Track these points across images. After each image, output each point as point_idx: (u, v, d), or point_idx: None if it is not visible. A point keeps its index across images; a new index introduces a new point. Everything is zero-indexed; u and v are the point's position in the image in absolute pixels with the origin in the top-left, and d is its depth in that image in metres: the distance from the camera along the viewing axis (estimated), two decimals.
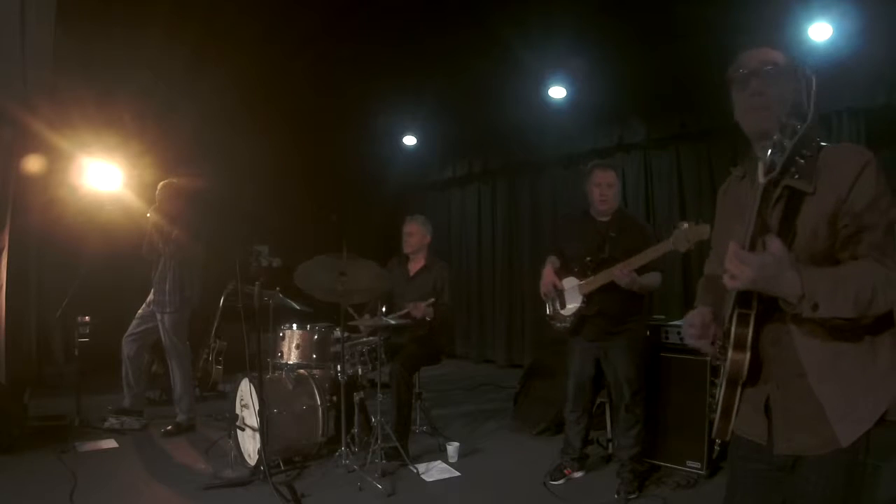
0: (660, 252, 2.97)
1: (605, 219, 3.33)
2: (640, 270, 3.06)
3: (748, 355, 1.34)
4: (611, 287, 3.11)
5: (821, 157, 1.35)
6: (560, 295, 3.36)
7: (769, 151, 1.20)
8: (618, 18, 4.73)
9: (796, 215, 1.32)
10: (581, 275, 3.26)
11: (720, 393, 1.43)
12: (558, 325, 3.39)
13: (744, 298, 1.34)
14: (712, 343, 1.48)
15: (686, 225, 2.88)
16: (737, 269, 1.22)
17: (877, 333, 1.33)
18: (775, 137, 1.19)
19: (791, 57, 1.44)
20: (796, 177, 1.21)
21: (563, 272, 3.39)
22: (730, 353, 1.35)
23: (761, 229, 1.26)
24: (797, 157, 1.18)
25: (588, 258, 3.23)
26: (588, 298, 3.22)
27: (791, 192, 1.33)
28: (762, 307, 1.34)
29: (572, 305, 3.31)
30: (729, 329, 1.37)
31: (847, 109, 4.58)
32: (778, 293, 1.24)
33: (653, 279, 3.17)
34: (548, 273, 3.40)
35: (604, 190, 3.28)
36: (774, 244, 1.22)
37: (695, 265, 5.41)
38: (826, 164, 1.33)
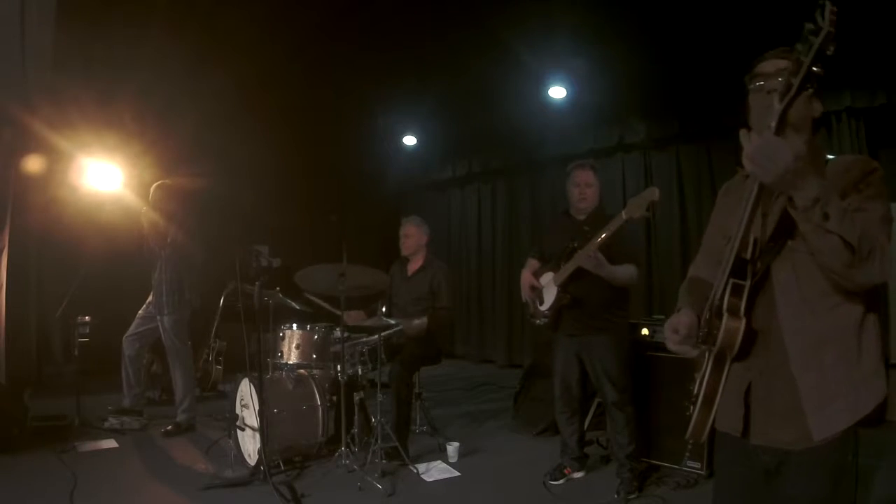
0: (616, 225, 2.99)
1: (582, 217, 3.38)
2: (613, 261, 3.07)
3: (743, 322, 1.34)
4: (584, 276, 3.13)
5: (830, 164, 1.37)
6: (539, 293, 3.41)
7: (782, 78, 1.20)
8: (618, 19, 4.73)
9: None
10: (556, 268, 3.30)
11: (702, 381, 1.43)
12: (538, 321, 3.42)
13: (738, 270, 1.35)
14: (696, 344, 1.45)
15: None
16: (767, 157, 1.20)
17: (862, 331, 1.34)
18: (789, 59, 1.20)
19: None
20: (810, 89, 1.21)
21: (542, 270, 3.43)
22: (724, 321, 1.35)
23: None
24: (813, 69, 1.18)
25: (562, 249, 3.27)
26: (562, 289, 3.25)
27: None
28: (757, 278, 1.35)
29: (549, 298, 3.34)
30: (720, 304, 1.37)
31: (847, 109, 4.58)
32: (796, 190, 1.22)
33: (625, 270, 3.15)
34: (525, 277, 3.46)
35: (582, 189, 3.36)
36: (799, 142, 1.23)
37: None
38: (834, 171, 1.35)
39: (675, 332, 1.49)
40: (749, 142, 1.24)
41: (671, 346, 1.50)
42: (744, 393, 1.41)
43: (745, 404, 1.41)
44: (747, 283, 1.35)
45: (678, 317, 1.51)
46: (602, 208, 3.44)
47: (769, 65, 1.47)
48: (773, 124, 1.24)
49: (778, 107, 1.22)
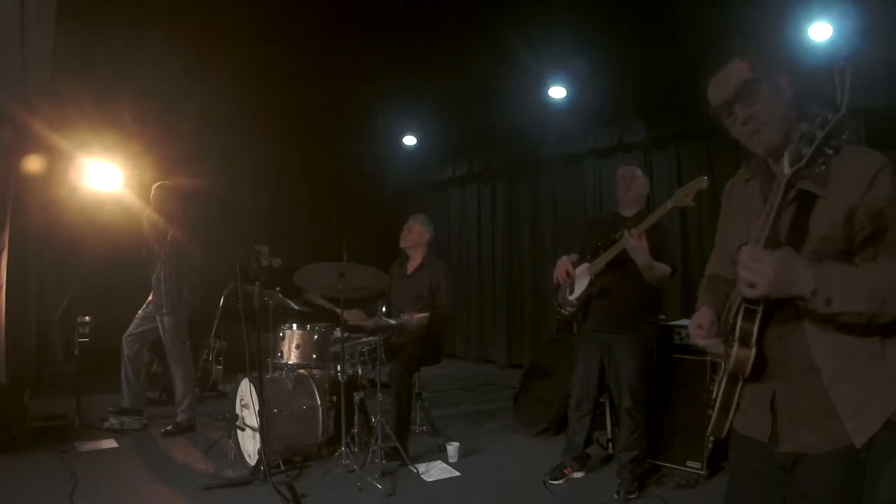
0: (662, 212, 3.06)
1: (629, 214, 3.38)
2: (652, 256, 3.07)
3: (753, 352, 1.34)
4: (618, 269, 3.14)
5: (834, 161, 1.34)
6: (571, 282, 3.40)
7: (795, 141, 1.18)
8: (618, 19, 4.73)
9: (808, 217, 1.32)
10: (592, 259, 3.30)
11: (719, 388, 1.43)
12: (565, 311, 3.41)
13: None
14: (723, 341, 1.45)
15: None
16: (754, 273, 1.22)
17: (887, 334, 1.32)
18: (803, 128, 1.17)
19: (764, 56, 1.39)
20: (823, 167, 1.19)
21: (579, 262, 3.43)
22: (735, 349, 1.35)
23: (775, 234, 1.25)
24: (826, 148, 1.16)
25: (600, 242, 3.27)
26: (595, 278, 3.25)
27: (804, 195, 1.32)
28: (769, 303, 1.33)
29: (580, 288, 3.34)
30: (734, 323, 1.36)
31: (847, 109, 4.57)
32: (793, 291, 1.23)
33: (661, 267, 3.14)
34: (562, 261, 3.44)
35: (627, 181, 3.40)
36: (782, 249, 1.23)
37: (695, 265, 5.41)
38: (840, 168, 1.31)
39: (699, 327, 1.49)
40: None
41: (699, 341, 1.50)
42: (769, 402, 1.41)
43: (771, 412, 1.41)
44: (760, 308, 1.33)
45: (700, 314, 1.52)
46: (649, 210, 3.42)
47: (721, 87, 1.41)
48: (765, 234, 1.24)
49: (787, 172, 1.21)
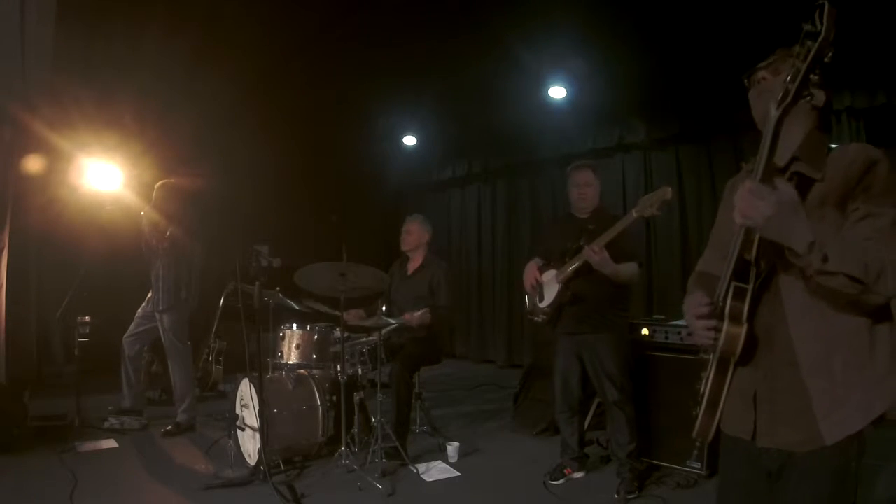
0: (627, 222, 3.06)
1: (584, 216, 3.42)
2: (616, 259, 3.09)
3: (745, 328, 1.32)
4: (586, 274, 3.16)
5: (832, 154, 1.35)
6: (540, 289, 3.42)
7: (783, 82, 1.19)
8: (617, 19, 4.73)
9: (803, 199, 1.31)
10: (559, 265, 3.32)
11: (706, 384, 1.41)
12: (537, 319, 3.44)
13: (741, 272, 1.33)
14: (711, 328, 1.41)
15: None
16: (750, 206, 1.19)
17: (874, 330, 1.31)
18: (787, 68, 1.19)
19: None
20: (809, 99, 1.20)
21: (543, 269, 3.45)
22: (725, 327, 1.33)
23: (770, 168, 1.24)
24: (811, 75, 1.16)
25: (566, 248, 3.29)
26: (564, 286, 3.27)
27: (800, 178, 1.34)
28: (760, 280, 1.33)
29: (549, 295, 3.36)
30: (723, 308, 1.35)
31: (847, 109, 4.58)
32: (786, 239, 1.20)
33: (627, 268, 3.18)
34: (530, 267, 3.47)
35: (582, 189, 3.41)
36: (788, 186, 1.21)
37: (695, 263, 5.40)
38: (837, 157, 1.33)
39: (697, 312, 1.44)
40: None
41: (691, 318, 1.45)
42: (752, 396, 1.40)
43: (753, 408, 1.39)
44: (750, 287, 1.32)
45: (693, 296, 1.48)
46: (604, 207, 3.49)
47: (763, 61, 1.47)
48: (761, 168, 1.23)
49: (775, 113, 1.21)
